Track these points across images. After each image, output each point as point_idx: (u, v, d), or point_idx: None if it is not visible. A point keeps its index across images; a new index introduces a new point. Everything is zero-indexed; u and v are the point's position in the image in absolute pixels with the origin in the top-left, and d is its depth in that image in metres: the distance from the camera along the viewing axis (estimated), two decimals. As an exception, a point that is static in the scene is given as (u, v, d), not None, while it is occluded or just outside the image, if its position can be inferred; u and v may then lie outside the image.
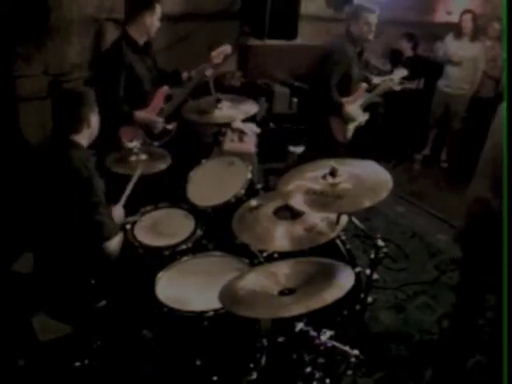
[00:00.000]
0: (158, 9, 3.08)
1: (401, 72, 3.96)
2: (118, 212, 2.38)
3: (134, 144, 2.65)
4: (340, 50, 3.61)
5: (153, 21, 3.07)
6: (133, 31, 3.08)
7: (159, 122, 3.22)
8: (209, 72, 3.38)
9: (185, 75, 3.38)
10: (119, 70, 2.99)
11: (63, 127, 2.19)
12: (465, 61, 4.93)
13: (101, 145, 2.52)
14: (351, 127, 3.77)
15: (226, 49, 3.38)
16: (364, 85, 3.76)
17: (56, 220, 2.18)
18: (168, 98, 3.33)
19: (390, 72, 4.13)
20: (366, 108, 3.87)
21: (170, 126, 3.32)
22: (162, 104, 3.28)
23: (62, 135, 2.19)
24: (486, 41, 5.04)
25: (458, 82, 5.05)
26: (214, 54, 3.32)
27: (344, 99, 3.64)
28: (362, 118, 3.79)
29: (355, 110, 3.72)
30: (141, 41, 3.12)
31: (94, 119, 2.25)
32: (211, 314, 1.96)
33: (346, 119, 3.70)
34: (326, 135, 3.75)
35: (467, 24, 4.87)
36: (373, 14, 3.59)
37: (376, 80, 3.98)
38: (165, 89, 3.28)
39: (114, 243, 2.21)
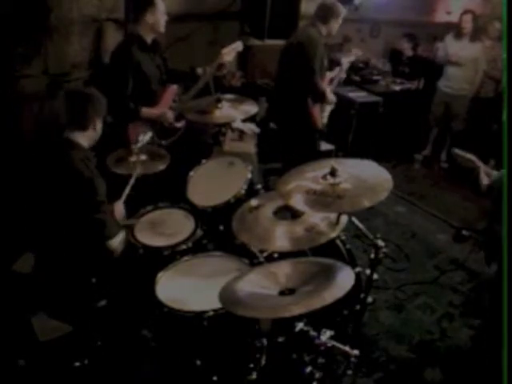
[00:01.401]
0: (160, 4, 3.07)
1: (348, 58, 4.14)
2: (119, 209, 2.40)
3: (146, 137, 2.65)
4: (317, 38, 3.66)
5: (156, 17, 3.06)
6: (139, 30, 3.08)
7: (170, 115, 3.20)
8: (223, 69, 3.36)
9: (199, 71, 3.37)
10: (127, 69, 3.00)
11: (69, 124, 2.20)
12: (465, 61, 4.92)
13: (106, 144, 2.53)
14: (326, 114, 3.94)
15: (238, 46, 3.36)
16: (330, 73, 3.98)
17: (57, 220, 2.18)
18: (174, 99, 3.33)
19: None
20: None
21: (179, 124, 3.32)
22: (171, 102, 3.28)
23: (64, 136, 2.19)
24: (486, 41, 5.03)
25: (458, 83, 5.03)
26: (225, 51, 3.30)
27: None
28: (333, 104, 3.94)
29: (331, 95, 3.86)
30: (149, 39, 3.12)
31: (100, 124, 2.27)
32: (211, 313, 1.96)
33: (324, 106, 3.86)
34: (306, 123, 3.83)
35: (467, 24, 4.85)
36: (342, 13, 3.69)
37: (328, 73, 4.12)
38: (174, 88, 3.28)
39: (118, 241, 2.22)
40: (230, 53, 3.31)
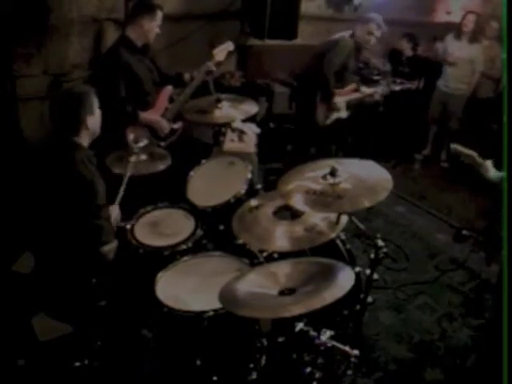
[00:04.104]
0: (159, 15, 3.07)
1: (384, 90, 4.44)
2: (114, 212, 2.37)
3: (141, 145, 2.65)
4: (343, 40, 3.96)
5: (151, 26, 3.06)
6: (130, 32, 3.08)
7: (166, 125, 3.23)
8: (212, 69, 3.38)
9: (187, 76, 3.38)
10: (117, 71, 2.99)
11: (62, 129, 2.19)
12: (461, 61, 4.94)
13: (105, 144, 2.52)
14: (333, 116, 4.11)
15: (229, 46, 3.37)
16: (354, 85, 4.19)
17: (57, 221, 2.17)
18: (170, 100, 3.34)
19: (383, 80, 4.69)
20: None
21: (176, 126, 3.33)
22: (166, 104, 3.28)
23: (63, 137, 2.18)
24: (485, 41, 5.04)
25: (454, 82, 5.07)
26: (216, 51, 3.32)
27: (336, 90, 4.01)
28: (344, 113, 4.13)
29: (341, 103, 4.07)
30: (138, 43, 3.12)
31: (92, 120, 2.20)
32: (211, 314, 1.96)
33: (332, 108, 4.07)
34: (309, 118, 4.10)
35: (470, 24, 4.84)
36: (380, 29, 3.96)
37: (363, 89, 4.34)
38: (169, 89, 3.29)
39: (110, 248, 2.20)
40: (222, 52, 3.33)
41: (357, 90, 4.20)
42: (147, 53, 3.24)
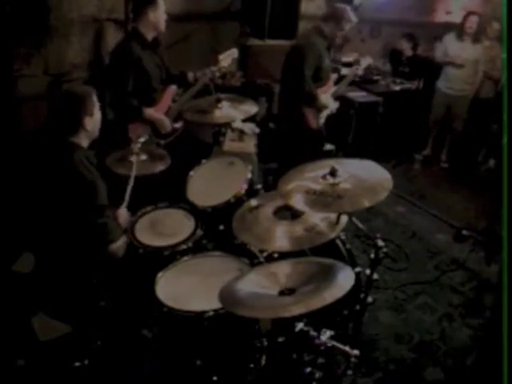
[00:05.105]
0: (161, 3, 3.09)
1: (366, 60, 4.15)
2: (123, 215, 2.35)
3: (142, 140, 2.65)
4: (310, 43, 3.74)
5: (157, 15, 3.08)
6: (141, 27, 3.10)
7: (168, 124, 3.25)
8: (216, 74, 3.40)
9: (190, 76, 3.40)
10: (128, 65, 3.01)
11: (60, 129, 2.19)
12: (466, 62, 4.92)
13: (106, 144, 2.52)
14: (323, 115, 3.94)
15: (234, 53, 3.41)
16: (334, 75, 4.02)
17: (58, 222, 2.17)
18: (172, 100, 3.35)
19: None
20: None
21: (177, 125, 3.35)
22: (170, 103, 3.30)
23: (62, 137, 2.18)
24: (486, 41, 5.03)
25: (459, 84, 5.03)
26: (221, 57, 3.35)
27: (318, 89, 3.80)
28: (334, 106, 3.96)
29: (327, 98, 3.89)
30: (149, 37, 3.14)
31: (90, 122, 2.18)
32: (211, 313, 1.96)
33: (320, 108, 3.87)
34: (299, 123, 3.90)
35: (473, 25, 4.81)
36: (351, 24, 3.74)
37: (344, 71, 4.26)
38: (173, 88, 3.31)
39: (119, 245, 2.20)
40: (226, 59, 3.37)
41: (339, 79, 4.05)
42: (157, 49, 3.26)
